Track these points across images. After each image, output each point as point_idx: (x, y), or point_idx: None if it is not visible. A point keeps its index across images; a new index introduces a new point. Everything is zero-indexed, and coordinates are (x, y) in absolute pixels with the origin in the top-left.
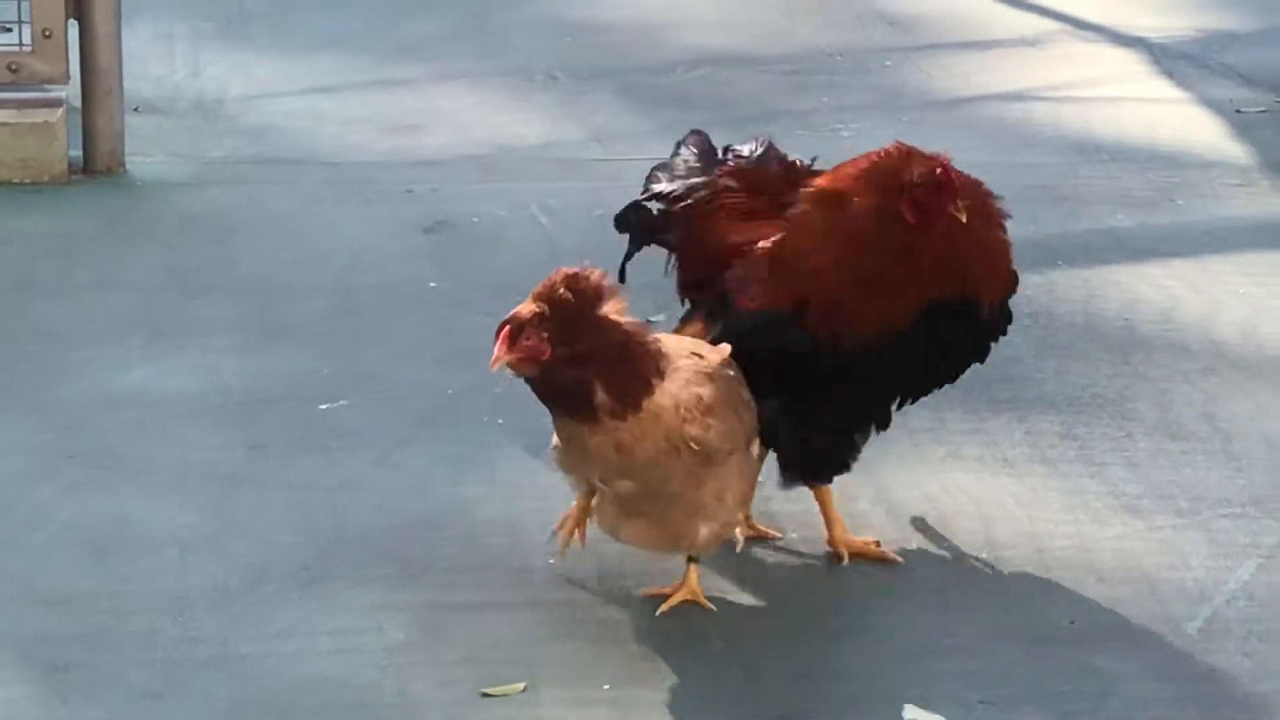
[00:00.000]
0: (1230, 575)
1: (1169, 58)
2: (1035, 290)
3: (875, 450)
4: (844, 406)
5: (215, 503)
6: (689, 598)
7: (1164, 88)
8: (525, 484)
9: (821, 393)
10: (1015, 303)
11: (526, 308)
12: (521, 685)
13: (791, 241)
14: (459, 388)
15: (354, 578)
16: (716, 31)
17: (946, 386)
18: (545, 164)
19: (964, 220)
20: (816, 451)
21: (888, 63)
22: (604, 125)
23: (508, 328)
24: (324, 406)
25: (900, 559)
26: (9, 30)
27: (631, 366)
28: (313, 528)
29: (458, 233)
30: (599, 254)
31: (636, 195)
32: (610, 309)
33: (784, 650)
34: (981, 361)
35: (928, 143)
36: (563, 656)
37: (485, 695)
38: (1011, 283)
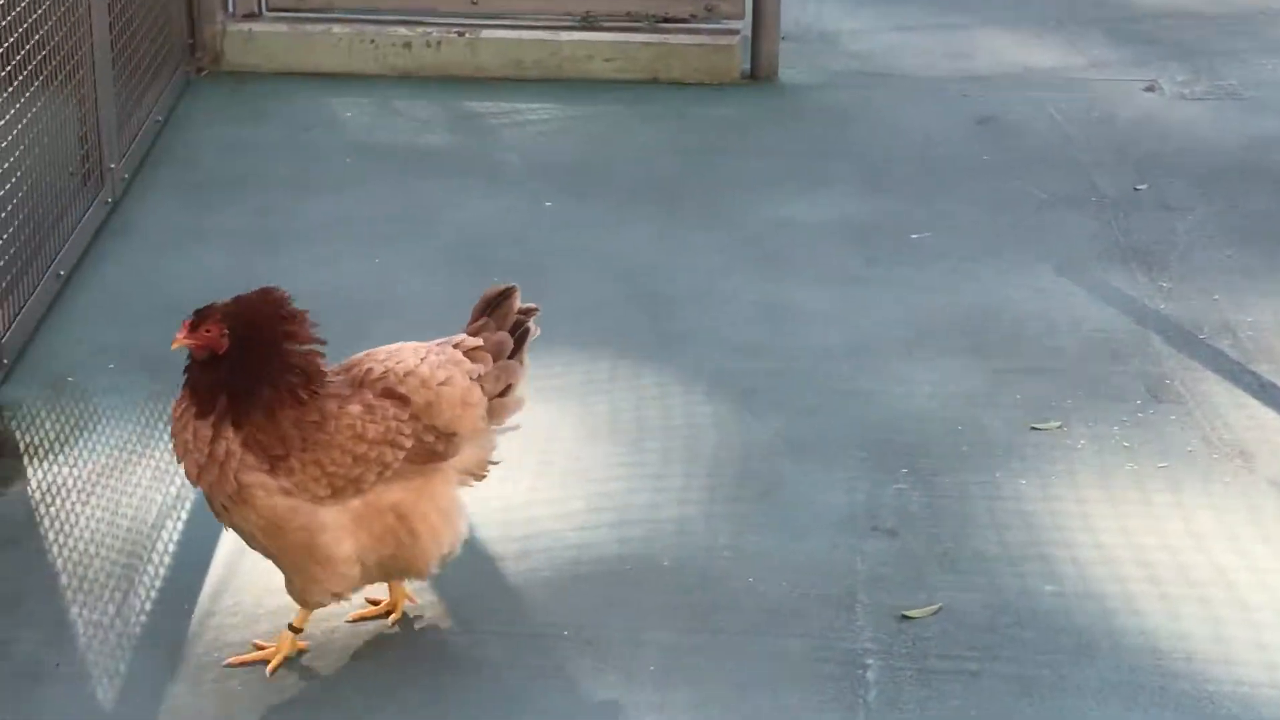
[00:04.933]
0: None
1: None
2: None
3: None
4: None
5: (844, 292)
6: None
7: None
8: (1055, 289)
9: None
10: None
11: (220, 303)
12: (1058, 423)
13: None
14: (1003, 225)
15: (936, 347)
16: None
17: None
18: (1057, 80)
19: None
20: None
21: None
22: (1097, 56)
23: (193, 316)
24: (914, 236)
25: None
26: None
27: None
28: (909, 313)
29: (999, 124)
30: (1099, 141)
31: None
32: (292, 333)
33: None
34: None
35: None
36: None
37: (1034, 429)
38: None
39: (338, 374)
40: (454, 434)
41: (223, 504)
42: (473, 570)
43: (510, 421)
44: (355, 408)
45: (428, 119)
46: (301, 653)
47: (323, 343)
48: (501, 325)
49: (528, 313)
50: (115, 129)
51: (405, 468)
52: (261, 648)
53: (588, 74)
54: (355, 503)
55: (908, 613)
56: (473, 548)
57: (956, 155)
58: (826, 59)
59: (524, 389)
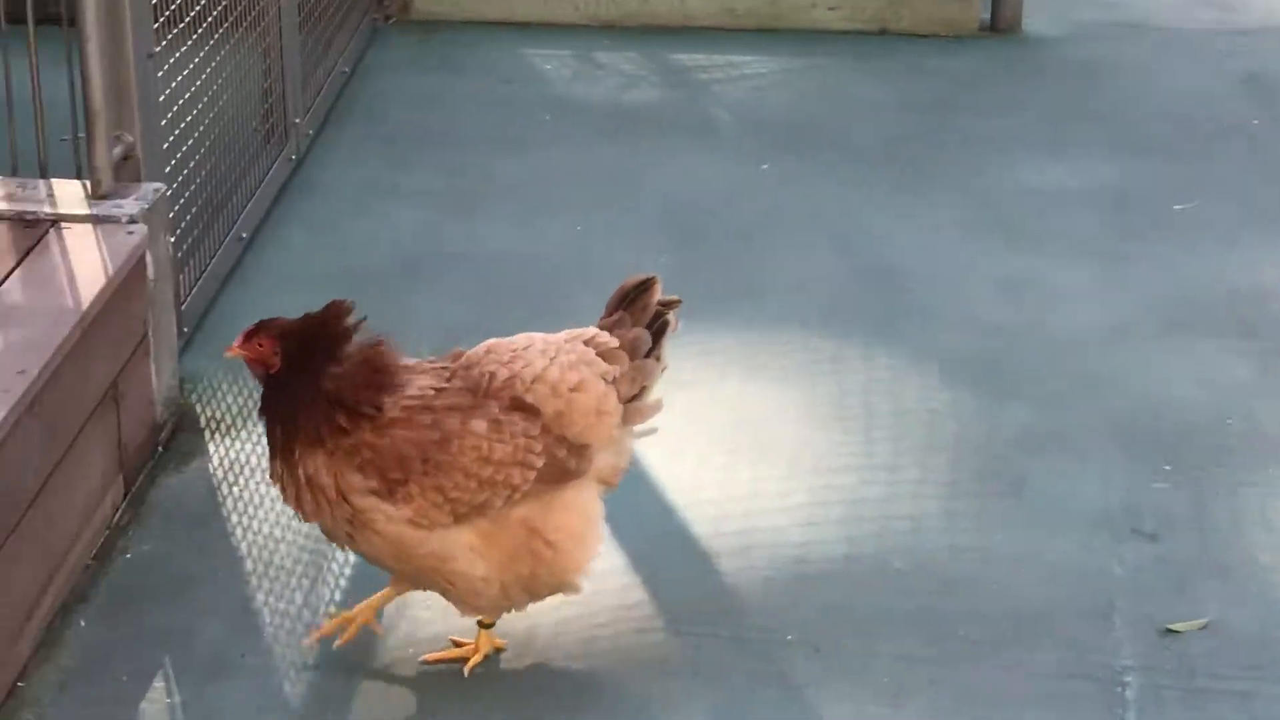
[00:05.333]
0: None
1: None
2: None
3: None
4: None
5: (1097, 268)
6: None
7: None
8: None
9: None
10: None
11: (281, 319)
12: None
13: None
14: (1276, 195)
15: (1201, 330)
16: None
17: None
18: None
19: None
20: None
21: None
22: None
23: (250, 326)
24: (1177, 206)
25: None
26: None
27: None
28: (1171, 291)
29: (1269, 83)
30: None
31: None
32: (353, 353)
33: None
34: None
35: None
36: None
37: None
38: None
39: (453, 373)
40: (586, 445)
41: (346, 533)
42: (688, 568)
43: (646, 425)
44: (480, 425)
45: (632, 72)
46: (499, 651)
47: (378, 361)
48: (639, 320)
49: (669, 305)
50: (300, 81)
51: (535, 488)
52: (459, 644)
53: (809, 23)
54: (482, 521)
55: (1172, 626)
56: (688, 543)
57: (1221, 117)
58: (1075, 8)
59: (659, 391)
